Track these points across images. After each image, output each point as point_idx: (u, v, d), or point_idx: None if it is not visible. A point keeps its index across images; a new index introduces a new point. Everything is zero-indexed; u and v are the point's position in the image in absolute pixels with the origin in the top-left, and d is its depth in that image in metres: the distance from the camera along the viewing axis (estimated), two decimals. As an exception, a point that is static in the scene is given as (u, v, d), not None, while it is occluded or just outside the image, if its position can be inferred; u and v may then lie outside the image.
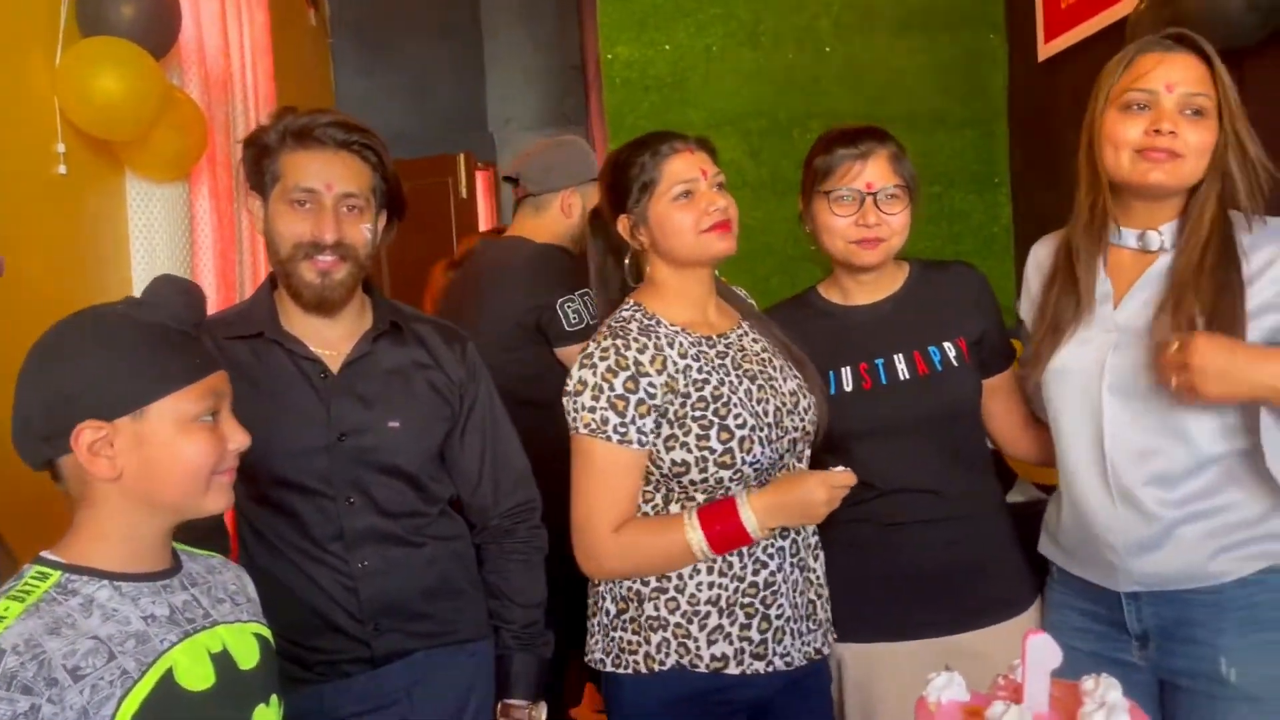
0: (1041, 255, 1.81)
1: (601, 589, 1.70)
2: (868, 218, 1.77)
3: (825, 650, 1.75)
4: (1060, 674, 1.02)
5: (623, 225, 1.71)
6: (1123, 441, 1.61)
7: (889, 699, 1.77)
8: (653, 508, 1.65)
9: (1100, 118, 1.61)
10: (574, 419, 1.61)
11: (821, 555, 1.76)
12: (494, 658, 1.68)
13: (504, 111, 6.32)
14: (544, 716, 1.68)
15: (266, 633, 1.25)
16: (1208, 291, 1.54)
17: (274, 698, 1.22)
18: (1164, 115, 1.56)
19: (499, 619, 1.69)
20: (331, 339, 1.62)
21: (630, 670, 1.65)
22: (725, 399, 1.62)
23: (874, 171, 1.76)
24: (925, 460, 1.78)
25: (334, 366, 1.60)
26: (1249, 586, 1.58)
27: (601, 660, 1.69)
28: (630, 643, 1.65)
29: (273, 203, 1.57)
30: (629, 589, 1.66)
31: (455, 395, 1.67)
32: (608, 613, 1.69)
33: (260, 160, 1.58)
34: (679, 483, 1.63)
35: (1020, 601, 1.82)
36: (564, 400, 1.64)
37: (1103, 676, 1.01)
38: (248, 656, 1.19)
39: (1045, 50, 3.44)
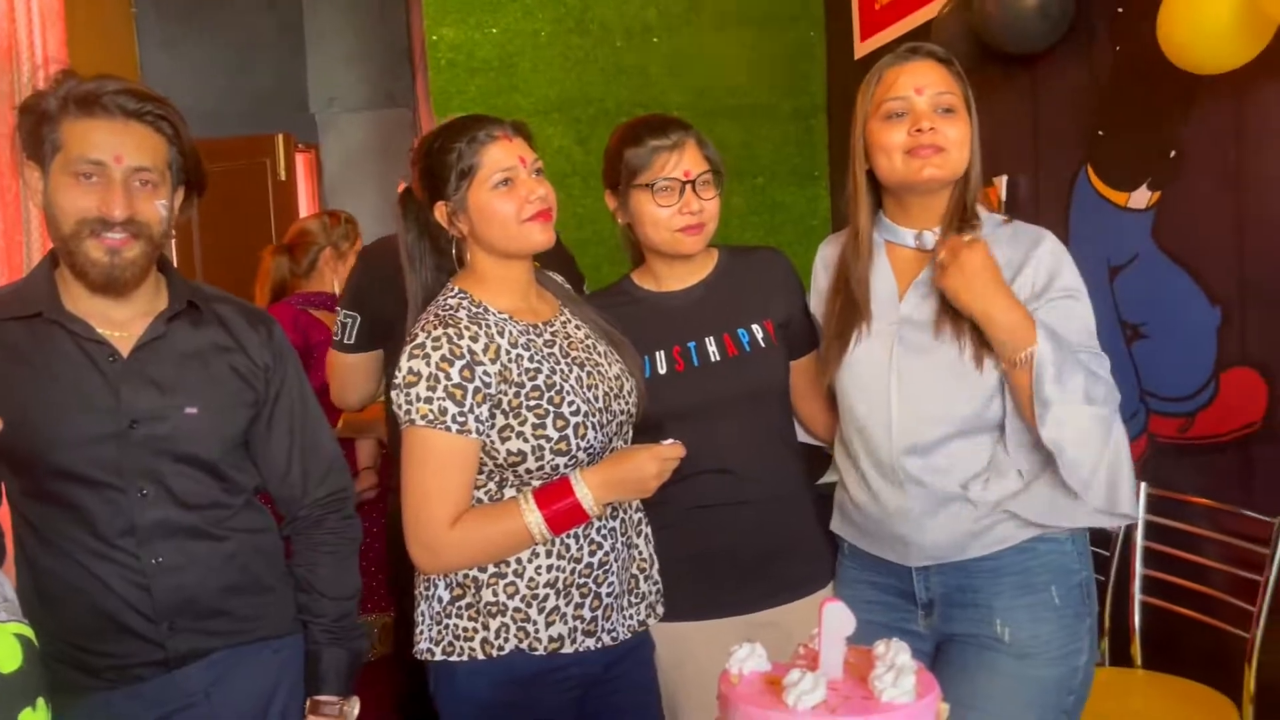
0: (828, 254, 1.91)
1: (433, 577, 1.67)
2: (690, 205, 1.80)
3: (649, 622, 1.78)
4: (855, 642, 1.08)
5: (440, 213, 1.69)
6: (908, 425, 1.72)
7: (698, 677, 1.82)
8: (486, 494, 1.64)
9: (866, 131, 1.74)
10: (408, 411, 1.58)
11: (646, 531, 1.80)
12: (303, 653, 1.63)
13: (326, 91, 6.11)
14: (356, 712, 1.64)
15: (28, 632, 1.16)
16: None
17: (40, 701, 1.15)
18: (921, 115, 1.68)
19: (308, 613, 1.63)
20: (121, 320, 1.52)
21: (465, 657, 1.64)
22: (558, 387, 1.63)
23: (689, 160, 1.80)
24: (736, 441, 1.83)
25: (124, 349, 1.51)
26: (1024, 553, 1.72)
27: (430, 650, 1.67)
28: (466, 629, 1.64)
29: (53, 175, 1.47)
30: (465, 576, 1.64)
31: (260, 380, 1.60)
32: (440, 600, 1.67)
33: (39, 128, 1.47)
34: (514, 471, 1.62)
35: (820, 577, 1.91)
36: (393, 392, 1.60)
37: (893, 640, 1.06)
38: (9, 659, 1.11)
39: (861, 48, 3.59)
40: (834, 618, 1.04)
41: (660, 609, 1.81)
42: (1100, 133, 2.61)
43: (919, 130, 1.67)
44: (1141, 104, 2.48)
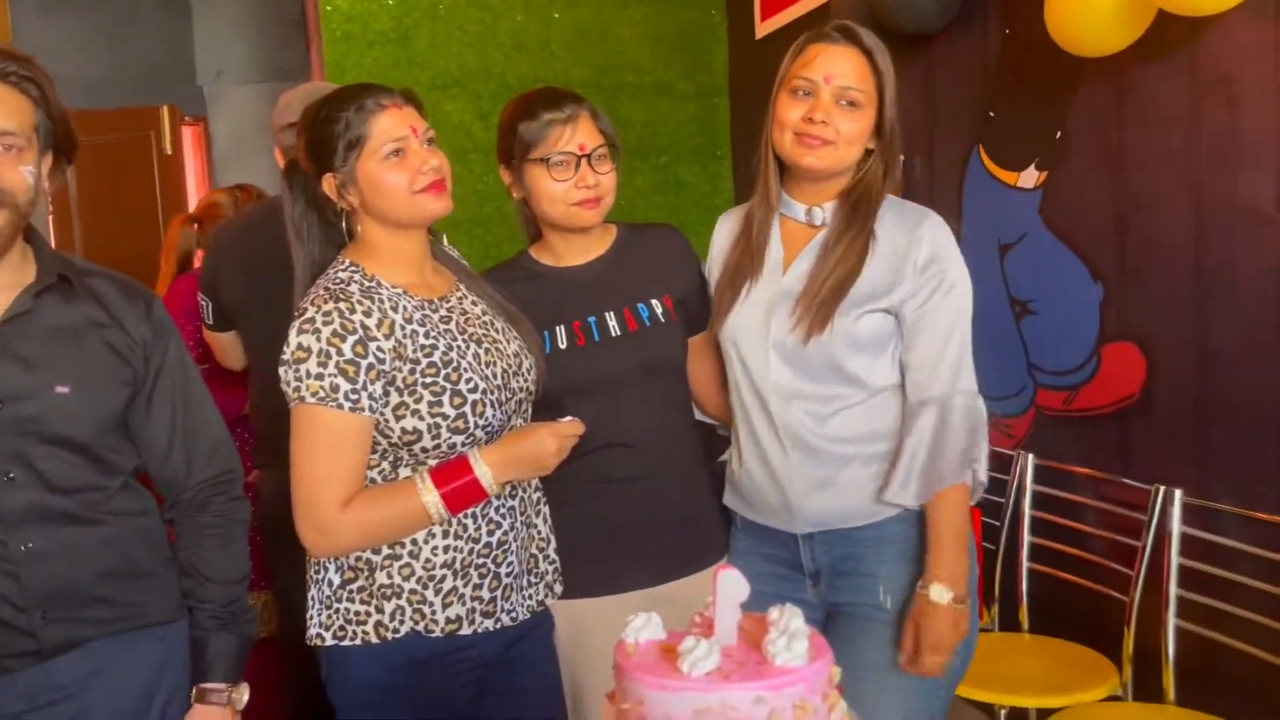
0: (728, 226, 1.94)
1: (324, 560, 1.63)
2: (586, 179, 1.79)
3: (547, 602, 1.78)
4: (749, 610, 1.09)
5: (329, 185, 1.63)
6: (788, 391, 1.76)
7: (599, 654, 1.80)
8: (380, 475, 1.60)
9: (775, 99, 1.77)
10: (297, 388, 1.53)
11: (545, 510, 1.79)
12: (189, 640, 1.57)
13: (214, 62, 5.89)
14: (245, 699, 1.59)
15: None
16: (829, 271, 1.72)
17: None
18: (820, 105, 1.71)
19: (194, 598, 1.57)
20: None
21: (359, 641, 1.60)
22: (455, 364, 1.59)
23: (584, 133, 1.78)
24: (636, 416, 1.83)
25: None
26: (904, 522, 1.76)
27: (321, 635, 1.62)
28: (359, 613, 1.60)
29: None
30: (358, 558, 1.60)
31: (138, 357, 1.52)
32: (330, 584, 1.62)
33: None
34: (409, 451, 1.58)
35: (716, 551, 1.92)
36: (281, 369, 1.54)
37: (786, 606, 1.07)
38: None
39: (762, 28, 3.62)
40: (728, 584, 1.04)
41: (558, 587, 1.80)
42: (991, 114, 2.68)
43: (810, 119, 1.70)
44: (1030, 86, 2.56)
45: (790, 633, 1.03)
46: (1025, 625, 2.55)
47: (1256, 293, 2.08)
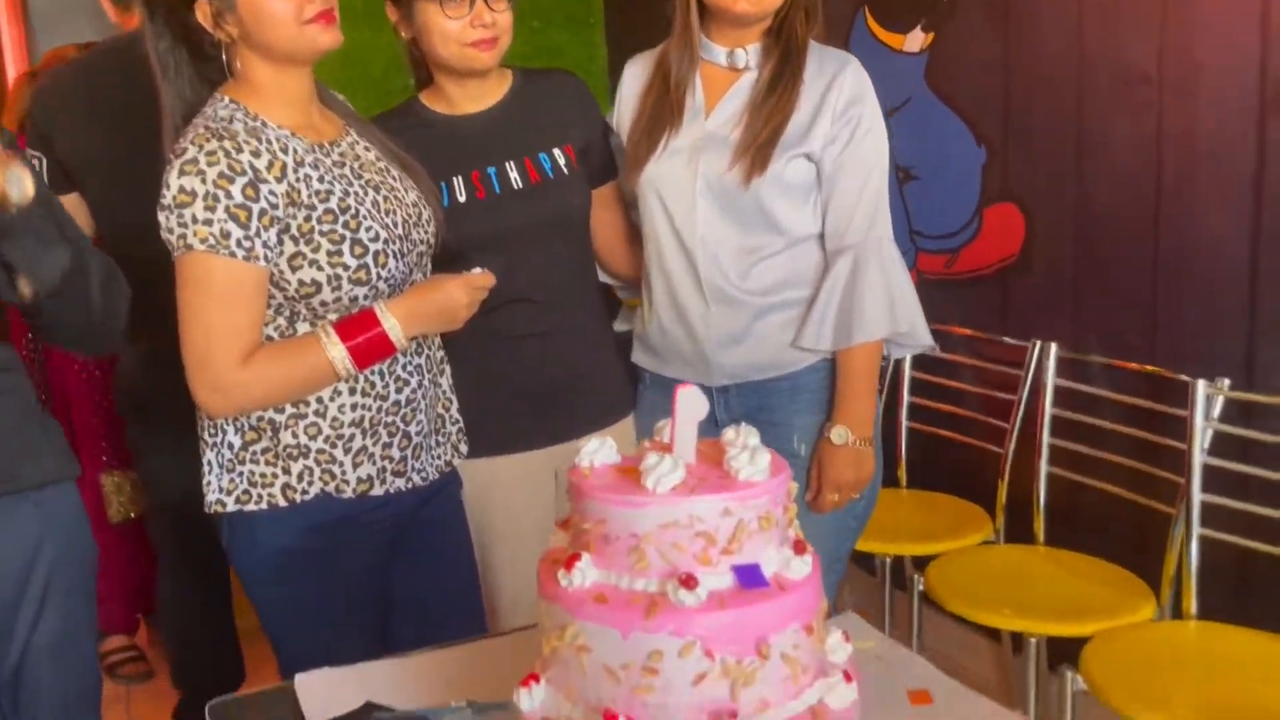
0: (636, 69, 1.87)
1: (221, 422, 1.53)
2: (483, 17, 1.68)
3: (455, 461, 1.74)
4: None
5: (202, 12, 1.47)
6: (713, 241, 1.74)
7: (505, 511, 1.82)
8: (276, 331, 1.50)
9: None
10: (182, 235, 1.40)
11: (447, 369, 1.73)
12: (74, 503, 1.45)
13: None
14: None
15: None
16: (768, 114, 1.70)
17: None
18: None
19: None
20: None
21: (265, 505, 1.52)
22: (354, 211, 1.50)
23: None
24: (540, 270, 1.78)
25: None
26: (818, 372, 1.80)
27: (221, 501, 1.54)
28: (264, 475, 1.53)
29: None
30: (260, 419, 1.51)
31: None
32: (230, 446, 1.53)
33: None
34: (308, 304, 1.49)
35: (621, 408, 1.93)
36: (161, 215, 1.41)
37: (743, 426, 1.07)
38: None
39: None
40: (687, 402, 1.02)
41: (464, 447, 1.77)
42: (878, -25, 2.67)
43: None
44: (918, -55, 2.55)
45: (751, 448, 1.01)
46: (903, 482, 2.66)
47: (1133, 155, 2.16)
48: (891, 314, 1.74)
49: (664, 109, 1.76)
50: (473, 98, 1.79)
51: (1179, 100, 2.05)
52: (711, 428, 1.79)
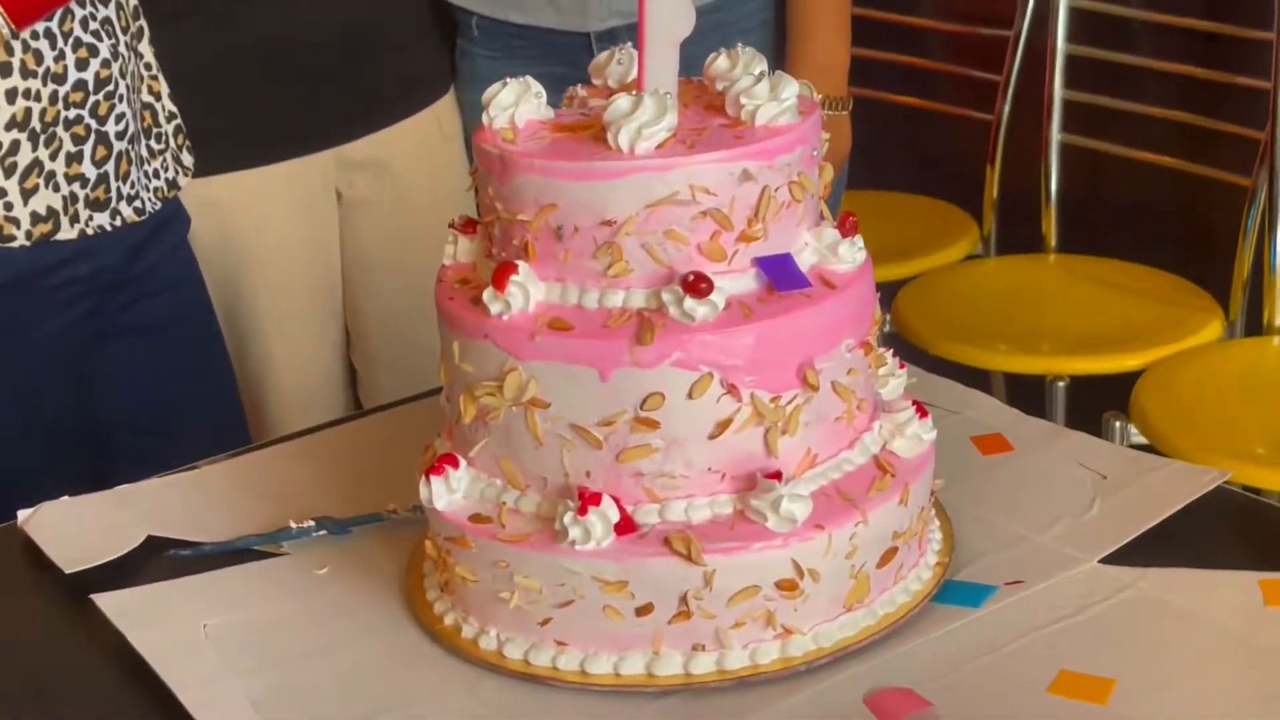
0: None
1: None
2: None
3: (183, 179, 1.74)
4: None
5: None
6: None
7: (260, 249, 1.90)
8: None
9: None
10: None
11: (148, 33, 1.70)
12: None
13: None
14: None
15: None
16: None
17: None
18: None
19: None
20: None
21: None
22: None
23: None
24: None
25: None
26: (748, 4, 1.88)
27: None
28: None
29: None
30: None
31: None
32: None
33: None
34: None
35: (434, 84, 1.99)
36: None
37: (740, 48, 1.09)
38: None
39: None
40: (661, 8, 1.02)
41: (188, 158, 1.76)
42: None
43: None
44: None
45: (768, 78, 1.04)
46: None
47: None
48: None
49: None
50: None
51: None
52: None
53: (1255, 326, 2.21)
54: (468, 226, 1.12)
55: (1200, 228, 2.34)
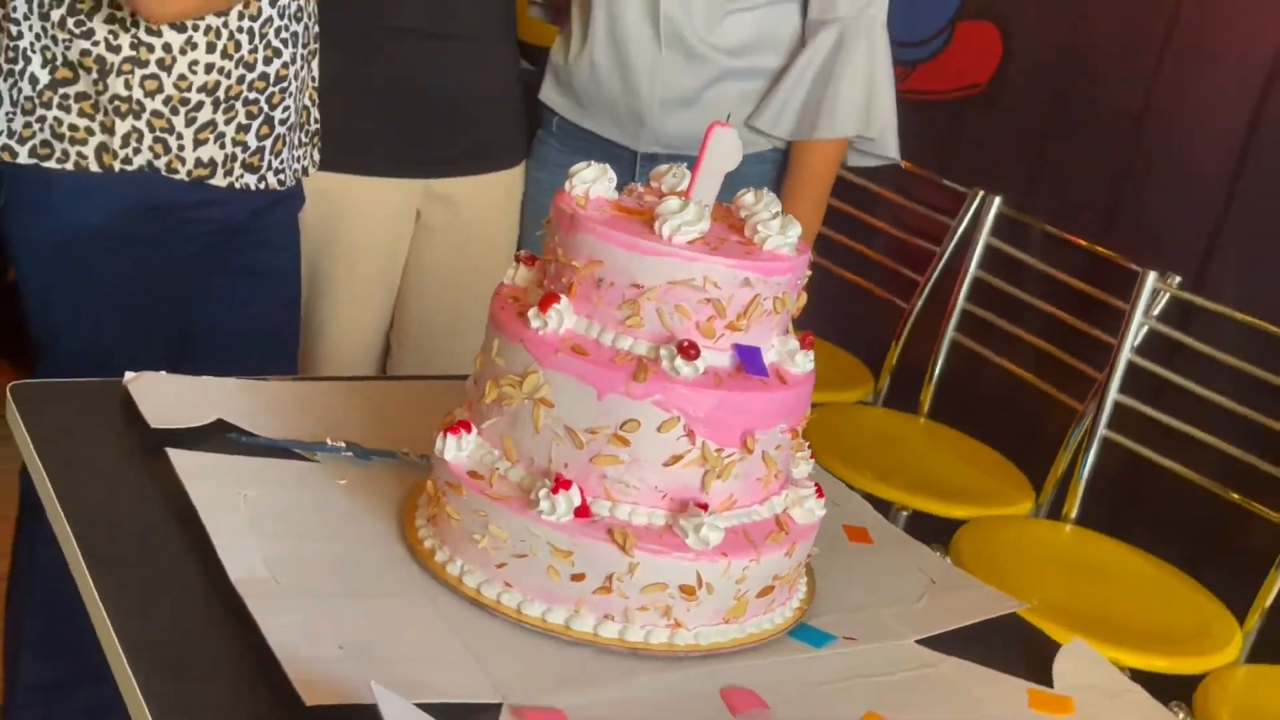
0: None
1: (24, 44, 1.43)
2: None
3: (311, 169, 1.71)
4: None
5: None
6: None
7: (347, 239, 1.86)
8: None
9: None
10: None
11: (318, 55, 1.69)
12: None
13: None
14: None
15: None
16: None
17: None
18: None
19: None
20: None
21: (70, 165, 1.46)
22: None
23: None
24: None
25: None
26: (766, 163, 1.87)
27: (9, 148, 1.46)
28: (74, 128, 1.46)
29: None
30: (85, 53, 1.43)
31: None
32: (33, 81, 1.44)
33: None
34: None
35: (511, 154, 1.96)
36: None
37: (764, 191, 1.11)
38: None
39: None
40: (721, 144, 1.05)
41: (317, 154, 1.75)
42: None
43: None
44: None
45: (780, 217, 1.06)
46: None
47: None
48: (866, 111, 1.80)
49: None
50: None
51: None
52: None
53: (1056, 513, 2.26)
54: (529, 260, 1.13)
55: (1037, 431, 2.37)
